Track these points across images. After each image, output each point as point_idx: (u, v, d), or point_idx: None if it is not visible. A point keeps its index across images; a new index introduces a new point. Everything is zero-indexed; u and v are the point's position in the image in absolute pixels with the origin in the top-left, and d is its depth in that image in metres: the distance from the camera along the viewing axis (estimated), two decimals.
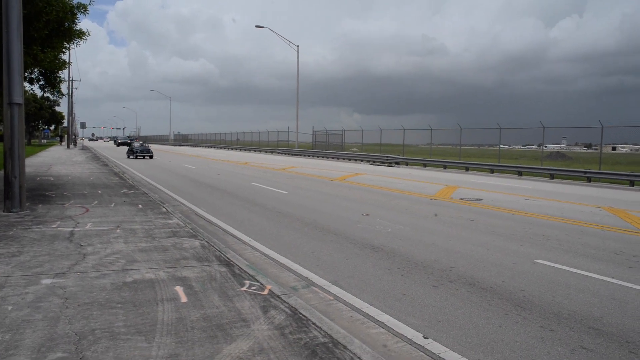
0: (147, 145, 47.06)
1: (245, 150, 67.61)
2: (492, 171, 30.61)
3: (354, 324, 4.89)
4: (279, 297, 5.17)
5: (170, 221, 9.57)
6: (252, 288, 5.47)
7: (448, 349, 4.35)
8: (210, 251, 7.17)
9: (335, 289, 6.04)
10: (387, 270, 6.91)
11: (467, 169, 32.45)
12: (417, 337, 4.60)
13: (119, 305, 4.75)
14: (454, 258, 7.67)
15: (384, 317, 5.10)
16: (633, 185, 22.86)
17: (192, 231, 8.65)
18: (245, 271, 6.16)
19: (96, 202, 11.97)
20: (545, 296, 5.87)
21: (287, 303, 5.00)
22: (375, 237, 9.12)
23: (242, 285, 5.57)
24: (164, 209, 11.13)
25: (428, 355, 4.21)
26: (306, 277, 6.51)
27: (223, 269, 6.21)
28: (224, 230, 9.59)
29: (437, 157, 38.51)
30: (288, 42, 49.16)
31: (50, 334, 4.03)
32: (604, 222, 11.47)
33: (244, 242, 8.50)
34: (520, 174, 28.73)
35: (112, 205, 11.52)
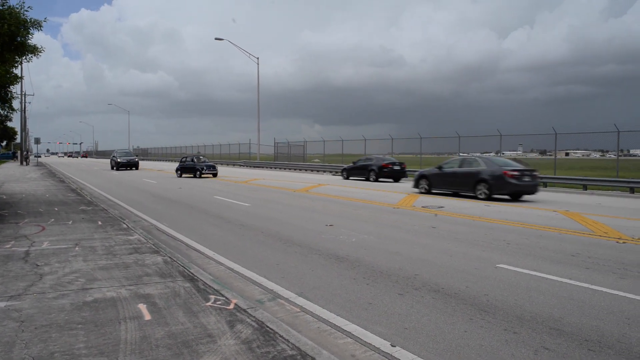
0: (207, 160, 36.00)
1: None
2: None
3: (321, 334, 4.87)
4: (245, 311, 5.10)
5: (131, 237, 9.36)
6: (218, 303, 5.39)
7: (415, 356, 4.38)
8: (174, 267, 7.04)
9: (301, 301, 6.01)
10: (352, 280, 6.92)
11: None
12: (384, 345, 4.62)
13: (80, 325, 4.59)
14: (418, 265, 7.75)
15: (351, 327, 5.10)
16: (586, 189, 23.69)
17: (154, 247, 8.47)
18: (210, 286, 6.06)
19: (53, 219, 11.60)
20: (508, 300, 6.00)
21: (254, 317, 4.94)
22: (340, 247, 9.14)
23: (207, 300, 5.48)
24: (125, 225, 10.88)
25: None
26: (272, 290, 6.46)
27: (187, 285, 6.10)
28: (186, 245, 9.43)
29: None
30: (248, 54, 49.13)
31: None
32: (560, 225, 11.82)
33: (208, 257, 8.38)
34: None
35: (70, 222, 11.18)
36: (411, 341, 4.75)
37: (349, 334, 4.89)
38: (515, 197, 18.40)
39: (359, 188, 23.84)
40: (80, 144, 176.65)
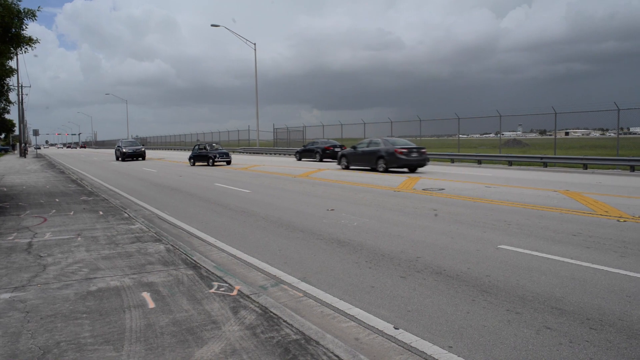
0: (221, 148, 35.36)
1: None
2: (452, 161, 31.19)
3: (325, 319, 4.91)
4: (249, 297, 5.14)
5: (133, 226, 9.39)
6: (221, 289, 5.42)
7: (419, 338, 4.41)
8: (176, 254, 7.07)
9: (304, 286, 6.04)
10: (354, 264, 6.95)
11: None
12: (388, 328, 4.65)
13: (84, 315, 4.63)
14: (420, 248, 7.78)
15: (355, 311, 5.13)
16: (586, 168, 23.68)
17: (156, 235, 8.50)
18: (212, 273, 6.10)
19: (54, 210, 11.63)
20: (509, 280, 6.03)
21: (257, 302, 4.97)
22: (342, 232, 9.17)
23: (211, 287, 5.51)
24: (126, 215, 10.90)
25: (399, 345, 4.26)
26: (275, 276, 6.49)
27: (190, 272, 6.13)
28: (188, 232, 9.46)
29: None
30: (245, 40, 48.77)
31: (12, 351, 3.89)
32: (561, 205, 11.84)
33: (210, 244, 8.41)
34: (479, 162, 29.37)
35: (72, 213, 11.21)
36: (414, 323, 4.78)
37: (352, 318, 4.92)
38: (411, 169, 23.12)
39: (357, 171, 23.83)
40: (79, 134, 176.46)
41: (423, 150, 22.83)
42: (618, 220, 9.72)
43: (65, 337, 4.13)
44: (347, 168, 25.14)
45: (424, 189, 15.74)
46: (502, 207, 11.78)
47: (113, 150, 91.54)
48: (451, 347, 4.25)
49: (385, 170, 22.50)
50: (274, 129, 57.34)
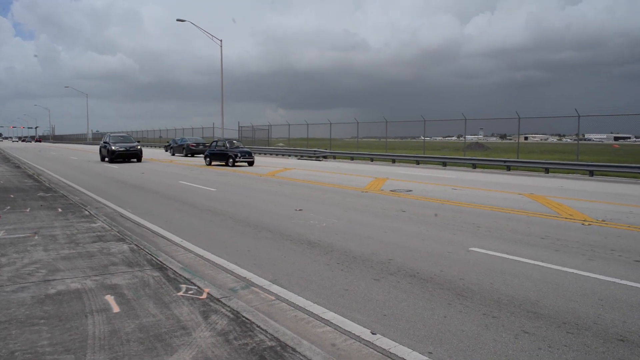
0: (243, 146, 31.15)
1: None
2: (417, 162, 31.43)
3: (299, 323, 4.73)
4: (219, 301, 4.91)
5: (94, 225, 8.98)
6: (190, 292, 5.17)
7: (397, 344, 4.28)
8: (141, 255, 6.76)
9: (276, 288, 5.84)
10: (326, 266, 6.79)
11: (393, 161, 33.15)
12: (365, 333, 4.51)
13: (42, 321, 4.31)
14: (391, 250, 7.68)
15: (329, 315, 4.97)
16: (548, 172, 24.20)
17: (119, 234, 8.14)
18: (180, 274, 5.83)
19: (9, 207, 11.05)
20: (483, 283, 5.98)
21: (228, 306, 4.75)
22: (311, 232, 9.00)
23: (179, 289, 5.25)
24: (87, 212, 10.45)
25: (378, 352, 4.12)
26: (244, 277, 6.27)
27: (156, 274, 5.84)
28: (153, 232, 9.12)
29: (363, 150, 39.08)
30: (211, 36, 47.98)
31: None
32: (527, 208, 11.98)
33: (176, 244, 8.11)
34: (444, 164, 29.68)
35: (28, 210, 10.67)
36: (391, 328, 4.65)
37: (327, 322, 4.76)
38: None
39: (325, 171, 23.72)
40: (35, 128, 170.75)
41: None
42: (583, 224, 9.87)
43: (20, 345, 3.82)
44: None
45: (391, 190, 15.72)
46: (470, 209, 11.83)
47: (74, 145, 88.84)
48: (431, 353, 4.13)
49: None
50: (239, 127, 56.73)
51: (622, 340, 4.39)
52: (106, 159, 31.47)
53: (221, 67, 49.31)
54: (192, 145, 42.45)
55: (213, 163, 29.09)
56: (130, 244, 7.44)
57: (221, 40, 48.05)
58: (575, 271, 6.50)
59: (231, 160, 27.73)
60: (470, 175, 23.02)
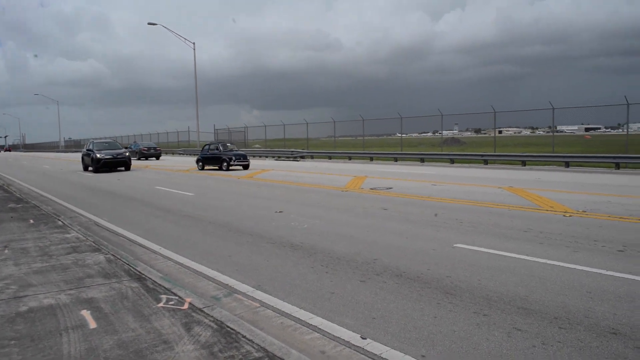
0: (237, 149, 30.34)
1: None
2: (395, 159, 31.48)
3: (286, 331, 4.55)
4: (202, 311, 4.71)
5: (68, 235, 8.67)
6: (170, 303, 4.96)
7: (389, 348, 4.14)
8: (118, 265, 6.50)
9: (259, 294, 5.66)
10: (310, 269, 6.63)
11: (371, 159, 33.16)
12: (354, 338, 4.36)
13: (13, 342, 4.04)
14: (375, 249, 7.56)
15: (317, 320, 4.81)
16: (525, 165, 24.43)
17: (94, 244, 7.85)
18: (160, 284, 5.60)
19: None
20: (471, 280, 5.88)
21: (212, 316, 4.56)
22: (293, 235, 8.83)
23: (159, 301, 5.04)
24: (60, 222, 10.10)
25: (369, 357, 3.97)
26: (227, 284, 6.07)
27: (135, 285, 5.61)
28: (130, 240, 8.83)
29: (341, 149, 39.02)
30: (183, 40, 47.43)
31: None
32: (507, 201, 11.99)
33: (155, 252, 7.85)
34: (422, 160, 29.78)
35: None
36: (381, 331, 4.51)
37: (315, 329, 4.59)
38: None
39: (303, 172, 23.56)
40: (5, 137, 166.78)
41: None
42: (564, 215, 9.89)
43: None
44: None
45: (371, 189, 15.63)
46: (451, 205, 11.79)
47: (46, 154, 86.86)
48: (424, 356, 4.00)
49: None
50: (214, 129, 56.24)
51: (614, 333, 4.32)
52: (90, 169, 28.36)
53: (194, 70, 48.82)
54: (144, 150, 46.54)
55: (206, 167, 27.74)
56: (106, 254, 7.17)
57: (194, 43, 47.58)
58: (560, 264, 6.45)
59: (225, 164, 26.30)
60: (449, 171, 23.11)
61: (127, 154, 28.70)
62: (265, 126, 47.95)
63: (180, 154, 55.10)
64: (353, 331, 4.52)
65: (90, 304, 4.96)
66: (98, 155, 27.33)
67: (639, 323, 4.52)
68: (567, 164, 22.87)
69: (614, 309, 4.87)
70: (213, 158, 27.30)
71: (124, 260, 6.74)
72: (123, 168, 28.28)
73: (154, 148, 47.60)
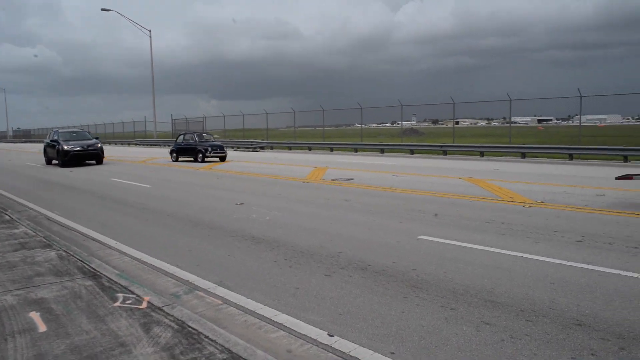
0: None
1: None
2: (356, 150, 31.53)
3: (250, 329, 4.38)
4: (161, 310, 4.48)
5: (16, 230, 8.21)
6: (128, 302, 4.71)
7: (357, 345, 4.02)
8: (71, 262, 6.17)
9: (222, 291, 5.46)
10: (274, 263, 6.47)
11: (331, 150, 33.09)
12: (321, 335, 4.23)
13: None
14: (339, 242, 7.45)
15: (282, 317, 4.65)
16: (483, 156, 24.84)
17: (45, 240, 7.46)
18: (116, 282, 5.33)
19: None
20: (437, 273, 5.84)
21: (172, 316, 4.34)
22: (255, 227, 8.64)
23: (115, 299, 4.78)
24: (7, 217, 9.59)
25: (338, 356, 3.84)
26: (187, 281, 5.84)
27: (89, 283, 5.32)
28: (84, 235, 8.44)
29: (301, 140, 38.83)
30: (139, 27, 46.07)
31: None
32: (468, 192, 12.10)
33: (110, 247, 7.51)
34: (382, 151, 29.91)
35: None
36: (349, 328, 4.39)
37: (280, 326, 4.44)
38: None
39: (264, 163, 23.29)
40: None
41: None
42: (524, 206, 10.03)
43: None
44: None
45: (333, 180, 15.54)
46: (413, 196, 11.81)
47: None
48: (394, 353, 3.91)
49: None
50: (172, 119, 55.04)
51: (579, 324, 4.34)
52: (55, 162, 25.16)
53: (151, 58, 47.61)
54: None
55: (180, 159, 26.09)
56: (58, 250, 6.81)
57: (150, 31, 46.32)
58: (524, 255, 6.50)
59: (200, 155, 24.75)
60: (409, 161, 23.27)
61: (100, 145, 25.35)
62: (224, 116, 47.27)
63: (136, 144, 53.71)
64: (320, 328, 4.39)
65: (40, 305, 4.65)
66: (65, 147, 23.87)
67: (601, 314, 4.56)
68: (524, 155, 23.38)
69: (577, 300, 4.91)
70: (188, 149, 25.77)
71: (77, 257, 6.41)
72: (94, 161, 24.83)
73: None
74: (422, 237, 7.63)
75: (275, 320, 4.60)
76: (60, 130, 26.64)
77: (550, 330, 4.24)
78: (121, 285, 5.22)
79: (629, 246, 6.88)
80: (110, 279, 5.44)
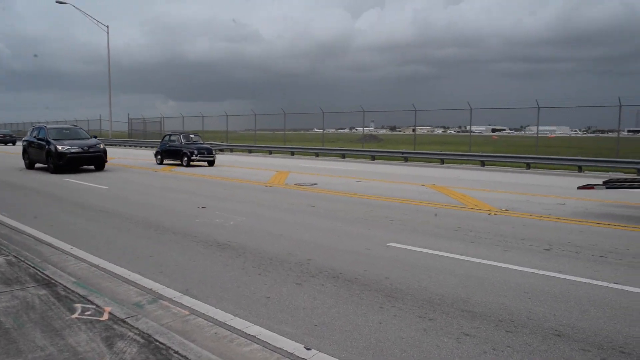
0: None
1: None
2: (317, 155, 31.40)
3: (221, 342, 4.11)
4: (125, 322, 4.17)
5: None
6: (87, 313, 4.36)
7: (336, 359, 3.83)
8: (22, 268, 5.74)
9: (188, 300, 5.17)
10: (241, 271, 6.20)
11: (292, 154, 32.88)
12: (298, 349, 4.00)
13: None
14: (308, 249, 7.25)
15: (254, 329, 4.41)
16: (443, 163, 25.13)
17: None
18: (73, 291, 4.96)
19: None
20: (410, 282, 5.71)
21: (137, 328, 4.03)
22: (219, 232, 8.34)
23: (73, 311, 4.42)
24: None
25: None
26: (150, 289, 5.51)
27: (43, 292, 4.93)
28: (36, 238, 7.92)
29: (261, 143, 38.49)
30: (96, 22, 44.70)
31: None
32: (432, 199, 12.11)
33: (66, 252, 7.06)
34: (344, 156, 29.90)
35: None
36: (326, 340, 4.19)
37: (254, 339, 4.19)
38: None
39: (224, 165, 22.84)
40: None
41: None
42: (489, 214, 10.08)
43: None
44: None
45: (296, 184, 15.33)
46: (379, 202, 11.73)
47: None
48: None
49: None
50: (128, 119, 53.62)
51: (558, 335, 4.28)
52: (39, 165, 20.93)
53: (108, 55, 46.28)
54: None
55: (165, 162, 23.99)
56: (7, 255, 6.34)
57: (108, 27, 45.03)
58: (494, 263, 6.46)
59: (186, 158, 22.59)
60: (371, 167, 23.29)
61: (102, 146, 20.35)
62: (183, 117, 46.37)
63: None
64: (296, 341, 4.17)
65: None
66: (60, 148, 18.77)
67: (578, 324, 4.52)
68: (483, 163, 23.78)
69: (552, 310, 4.87)
70: (173, 151, 23.59)
71: (29, 263, 5.97)
72: (93, 167, 20.14)
73: (10, 135, 51.22)
74: (391, 244, 7.51)
75: (247, 332, 4.35)
76: (49, 127, 21.30)
77: (531, 342, 4.16)
78: (79, 295, 4.86)
79: (595, 255, 6.95)
80: (67, 288, 5.07)
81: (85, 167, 20.03)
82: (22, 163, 21.85)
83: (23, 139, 22.42)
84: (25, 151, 21.47)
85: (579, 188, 11.03)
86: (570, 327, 4.47)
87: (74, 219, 9.63)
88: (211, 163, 23.08)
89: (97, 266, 6.36)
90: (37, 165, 21.02)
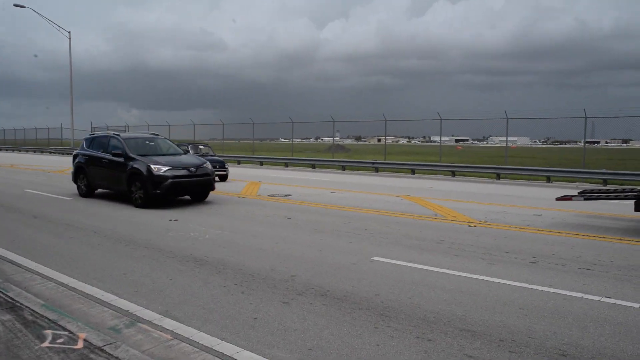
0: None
1: (8, 150, 58.28)
2: (286, 165, 31.10)
3: None
4: (102, 350, 3.79)
5: None
6: (59, 341, 3.97)
7: None
8: None
9: (170, 323, 4.80)
10: (223, 289, 5.86)
11: (261, 164, 32.51)
12: None
13: None
14: (291, 264, 6.96)
15: (245, 355, 4.09)
16: (414, 174, 25.16)
17: None
18: (42, 315, 4.54)
19: None
20: (402, 299, 5.49)
21: (117, 358, 3.67)
22: (195, 247, 7.96)
23: (43, 339, 4.01)
24: None
25: None
26: (127, 311, 5.11)
27: (7, 317, 4.49)
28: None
29: (229, 153, 37.96)
30: (57, 27, 43.38)
31: None
32: (410, 210, 11.97)
33: (30, 270, 6.55)
34: (314, 166, 29.68)
35: None
36: None
37: None
38: None
39: None
40: None
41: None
42: (469, 226, 9.99)
43: None
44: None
45: (269, 195, 15.01)
46: (356, 214, 11.52)
47: None
48: None
49: None
50: (91, 127, 52.12)
51: (564, 355, 4.12)
52: (101, 190, 14.80)
53: (70, 62, 44.99)
54: None
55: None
56: None
57: (69, 32, 43.80)
58: (483, 277, 6.31)
59: None
60: (342, 177, 23.12)
61: (208, 165, 13.79)
62: (149, 126, 45.36)
63: (50, 152, 50.37)
64: None
65: None
66: (156, 169, 12.44)
67: (581, 342, 4.38)
68: (454, 174, 23.90)
69: (552, 327, 4.72)
70: None
71: None
72: (203, 192, 13.77)
73: None
74: (375, 258, 7.29)
75: (237, 358, 4.04)
76: (123, 137, 13.99)
77: None
78: (48, 319, 4.45)
79: (581, 267, 6.88)
80: (34, 312, 4.64)
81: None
82: (72, 187, 15.59)
83: (74, 152, 15.73)
84: (80, 171, 14.82)
85: (557, 199, 11.06)
86: (574, 346, 4.31)
87: (38, 234, 9.06)
88: (223, 178, 19.57)
89: (66, 285, 5.91)
90: (99, 190, 14.86)
